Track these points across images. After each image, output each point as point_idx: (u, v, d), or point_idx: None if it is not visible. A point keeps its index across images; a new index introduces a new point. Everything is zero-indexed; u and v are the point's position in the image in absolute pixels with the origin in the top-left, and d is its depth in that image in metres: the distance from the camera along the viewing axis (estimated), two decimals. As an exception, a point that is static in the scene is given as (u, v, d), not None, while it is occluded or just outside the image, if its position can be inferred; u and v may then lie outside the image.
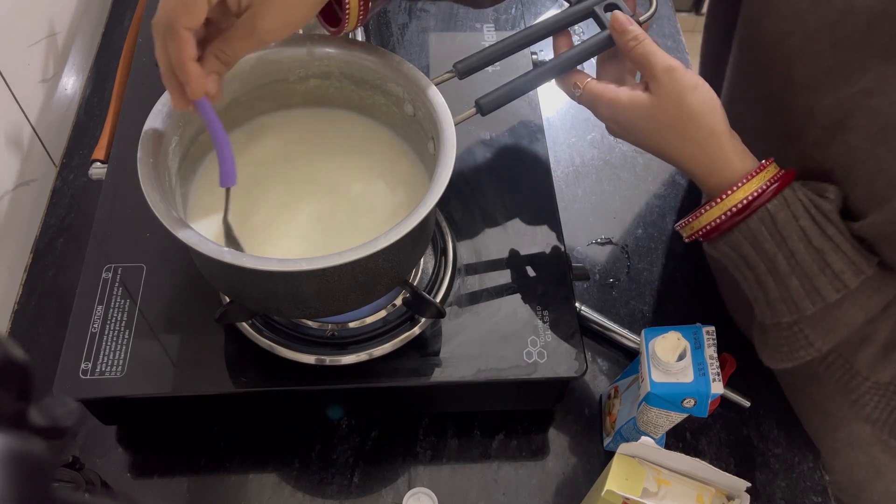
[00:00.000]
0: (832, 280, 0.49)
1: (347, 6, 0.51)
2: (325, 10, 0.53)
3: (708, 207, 0.52)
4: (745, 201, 0.51)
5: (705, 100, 0.52)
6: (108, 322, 0.60)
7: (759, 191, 0.50)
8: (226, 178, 0.52)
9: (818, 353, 0.53)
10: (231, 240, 0.55)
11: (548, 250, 0.66)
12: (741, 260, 0.53)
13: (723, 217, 0.52)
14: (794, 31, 0.51)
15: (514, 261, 0.66)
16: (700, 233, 0.54)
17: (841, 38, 0.48)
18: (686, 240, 0.56)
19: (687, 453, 0.54)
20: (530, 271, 0.65)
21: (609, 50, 0.58)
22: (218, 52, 0.48)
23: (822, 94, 0.50)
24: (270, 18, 0.47)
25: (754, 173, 0.51)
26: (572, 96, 0.59)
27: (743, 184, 0.51)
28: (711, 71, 0.64)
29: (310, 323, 0.61)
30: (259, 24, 0.47)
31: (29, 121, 0.79)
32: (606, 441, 0.67)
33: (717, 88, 0.53)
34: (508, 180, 0.71)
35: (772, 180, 0.51)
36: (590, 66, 0.60)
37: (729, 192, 0.51)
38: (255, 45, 0.48)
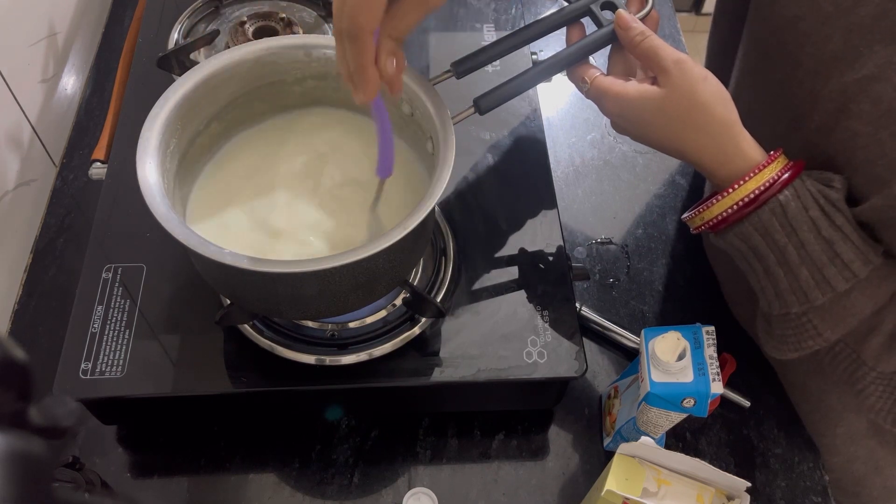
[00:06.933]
0: (842, 270, 0.49)
1: None
2: None
3: (717, 199, 0.52)
4: (755, 192, 0.50)
5: (716, 90, 0.52)
6: (108, 322, 0.60)
7: (770, 182, 0.50)
8: (382, 170, 0.56)
9: (826, 343, 0.53)
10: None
11: (548, 250, 0.66)
12: (750, 251, 0.53)
13: (733, 208, 0.51)
14: (805, 16, 0.51)
15: (514, 261, 0.66)
16: (708, 224, 0.54)
17: (852, 22, 0.48)
18: (693, 231, 0.56)
19: (687, 453, 0.53)
20: (530, 271, 0.65)
21: (619, 44, 0.58)
22: (391, 31, 0.47)
23: (828, 79, 0.50)
24: None
25: (764, 164, 0.51)
26: (581, 90, 0.58)
27: (753, 175, 0.51)
28: (717, 67, 0.64)
29: (310, 323, 0.61)
30: None
31: (29, 121, 0.79)
32: (606, 441, 0.67)
33: (724, 83, 0.53)
34: (508, 180, 0.71)
35: (782, 171, 0.50)
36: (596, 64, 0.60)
37: (739, 183, 0.51)
38: (426, 12, 0.47)
